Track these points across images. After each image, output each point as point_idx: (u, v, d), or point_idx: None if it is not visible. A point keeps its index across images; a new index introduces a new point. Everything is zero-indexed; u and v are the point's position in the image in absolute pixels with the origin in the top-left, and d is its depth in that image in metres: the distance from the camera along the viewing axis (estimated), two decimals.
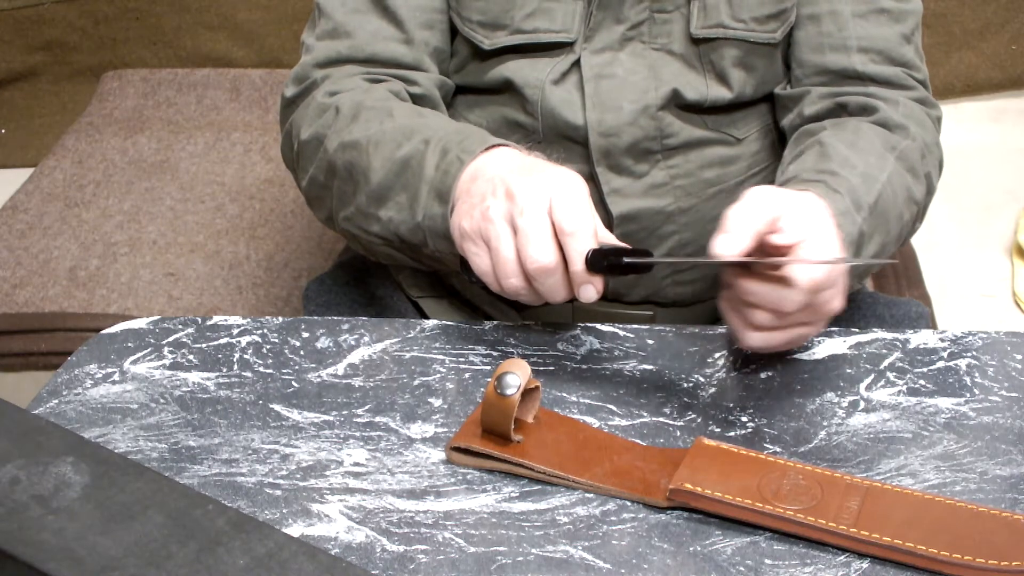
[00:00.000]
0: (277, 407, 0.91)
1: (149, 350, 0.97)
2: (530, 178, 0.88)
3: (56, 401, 0.92)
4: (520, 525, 0.80)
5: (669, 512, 0.81)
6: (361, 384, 0.93)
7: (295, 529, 0.80)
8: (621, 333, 0.98)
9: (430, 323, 1.00)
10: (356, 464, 0.85)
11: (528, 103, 1.12)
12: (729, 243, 0.83)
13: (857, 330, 0.98)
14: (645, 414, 0.90)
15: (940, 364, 0.94)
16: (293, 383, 0.94)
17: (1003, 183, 1.97)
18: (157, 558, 0.68)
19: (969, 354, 0.95)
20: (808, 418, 0.89)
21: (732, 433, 0.88)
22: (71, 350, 0.99)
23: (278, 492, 0.83)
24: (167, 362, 0.96)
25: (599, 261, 0.86)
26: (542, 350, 0.97)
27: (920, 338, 0.97)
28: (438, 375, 0.94)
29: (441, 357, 0.96)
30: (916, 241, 1.53)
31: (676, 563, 0.77)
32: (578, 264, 0.86)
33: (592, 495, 0.82)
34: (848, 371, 0.93)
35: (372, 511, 0.81)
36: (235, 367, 0.95)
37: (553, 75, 1.11)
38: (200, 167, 1.96)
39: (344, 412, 0.90)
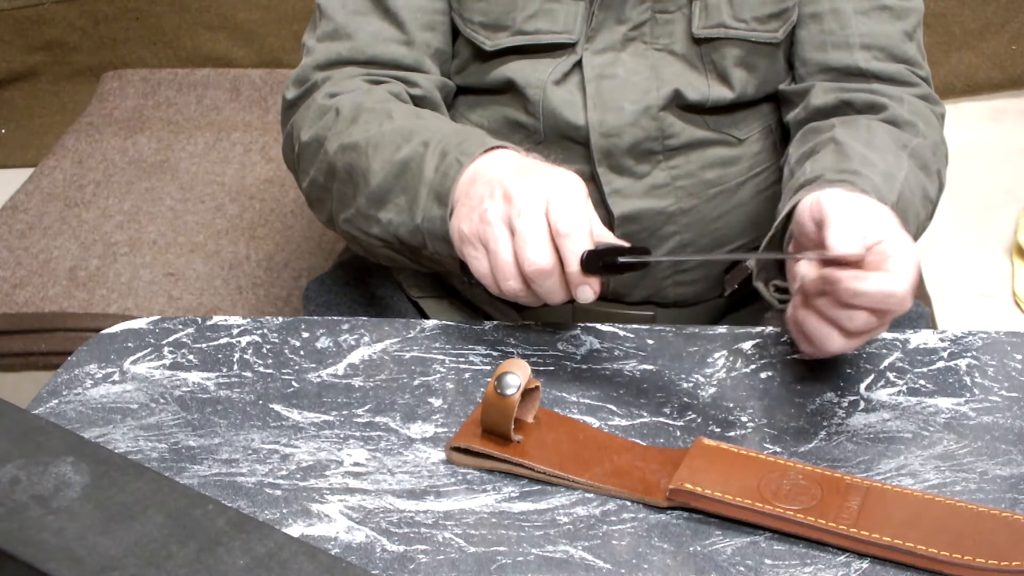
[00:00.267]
0: (277, 407, 0.91)
1: (149, 350, 0.97)
2: (527, 179, 0.88)
3: (56, 401, 0.92)
4: (520, 525, 0.80)
5: (669, 512, 0.81)
6: (361, 384, 0.93)
7: (295, 529, 0.80)
8: (621, 333, 0.98)
9: (430, 323, 1.00)
10: (356, 464, 0.85)
11: (530, 103, 1.12)
12: (844, 240, 0.82)
13: None
14: (645, 414, 0.90)
15: (940, 364, 0.94)
16: (293, 383, 0.94)
17: (1003, 183, 1.97)
18: (157, 558, 0.68)
19: (969, 354, 0.95)
20: (808, 418, 0.89)
21: (732, 433, 0.88)
22: (71, 350, 0.99)
23: (278, 492, 0.83)
24: (167, 362, 0.96)
25: (594, 262, 0.85)
26: (542, 350, 0.97)
27: (920, 338, 0.97)
28: (438, 375, 0.94)
29: (441, 357, 0.96)
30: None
31: (676, 563, 0.77)
32: (573, 265, 0.86)
33: (592, 495, 0.82)
34: (848, 371, 0.93)
35: (372, 511, 0.81)
36: (235, 367, 0.95)
37: (555, 76, 1.11)
38: (200, 167, 1.96)
39: (344, 412, 0.90)
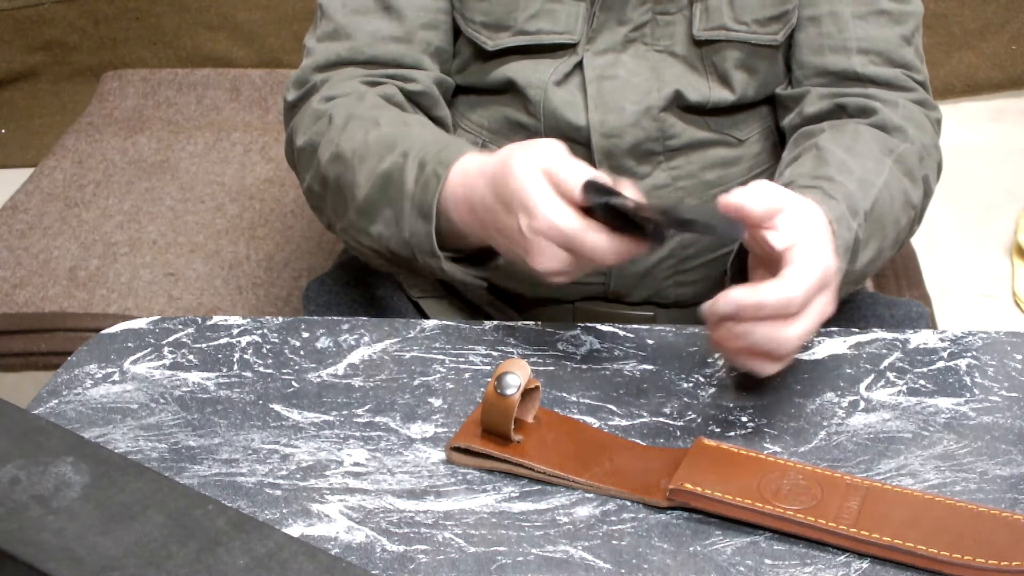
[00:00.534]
0: (277, 407, 0.91)
1: (149, 350, 0.97)
2: (516, 165, 0.88)
3: (56, 401, 0.92)
4: (520, 525, 0.80)
5: (669, 512, 0.81)
6: (361, 384, 0.93)
7: (295, 529, 0.80)
8: (621, 333, 0.98)
9: (430, 323, 1.00)
10: (356, 464, 0.85)
11: (530, 104, 1.12)
12: (747, 197, 0.83)
13: (857, 330, 0.98)
14: (645, 414, 0.90)
15: (940, 364, 0.94)
16: (293, 383, 0.94)
17: (1003, 183, 1.97)
18: (157, 558, 0.68)
19: (969, 354, 0.95)
20: (808, 418, 0.89)
21: (732, 433, 0.88)
22: (71, 350, 0.99)
23: (278, 492, 0.83)
24: (167, 362, 0.96)
25: (593, 188, 0.85)
26: (542, 350, 0.97)
27: (920, 338, 0.97)
28: (438, 375, 0.94)
29: (441, 357, 0.96)
30: (916, 241, 1.53)
31: (676, 563, 0.77)
32: (577, 194, 0.85)
33: (592, 495, 0.82)
34: (848, 371, 0.93)
35: (372, 511, 0.81)
36: (235, 367, 0.95)
37: (556, 76, 1.11)
38: (200, 167, 1.96)
39: (344, 412, 0.90)
